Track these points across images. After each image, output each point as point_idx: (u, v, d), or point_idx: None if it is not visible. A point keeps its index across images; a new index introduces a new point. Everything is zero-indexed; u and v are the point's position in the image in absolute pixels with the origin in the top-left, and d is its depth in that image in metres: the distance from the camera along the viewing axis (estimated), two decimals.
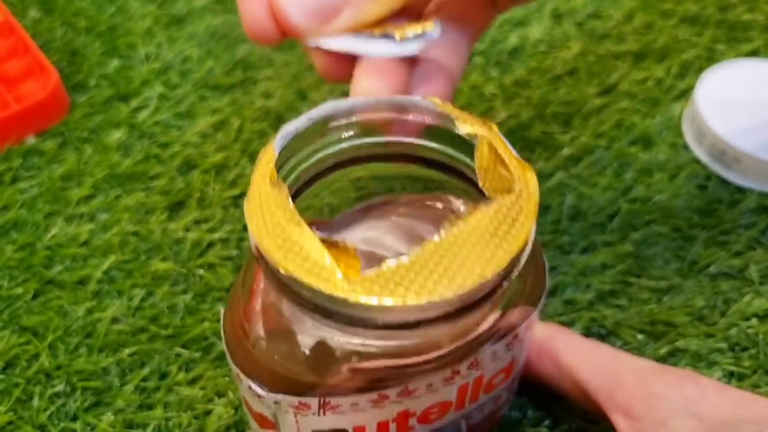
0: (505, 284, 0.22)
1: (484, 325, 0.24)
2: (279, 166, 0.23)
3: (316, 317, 0.22)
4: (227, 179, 0.43)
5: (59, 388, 0.36)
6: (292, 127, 0.24)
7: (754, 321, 0.37)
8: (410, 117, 0.25)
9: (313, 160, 0.25)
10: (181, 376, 0.36)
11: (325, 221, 0.29)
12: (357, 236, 0.29)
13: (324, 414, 0.25)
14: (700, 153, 0.44)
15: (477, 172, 0.24)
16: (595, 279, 0.39)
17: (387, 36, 0.29)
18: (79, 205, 0.43)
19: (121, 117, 0.47)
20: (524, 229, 0.22)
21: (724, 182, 0.43)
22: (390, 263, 0.21)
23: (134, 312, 0.38)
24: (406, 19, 0.29)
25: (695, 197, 0.42)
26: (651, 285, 0.38)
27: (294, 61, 0.49)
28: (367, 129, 0.25)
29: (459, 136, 0.24)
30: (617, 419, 0.29)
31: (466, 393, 0.26)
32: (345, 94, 0.27)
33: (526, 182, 0.23)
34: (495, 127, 0.24)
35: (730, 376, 0.36)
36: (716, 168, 0.43)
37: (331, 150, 0.25)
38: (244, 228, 0.40)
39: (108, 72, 0.49)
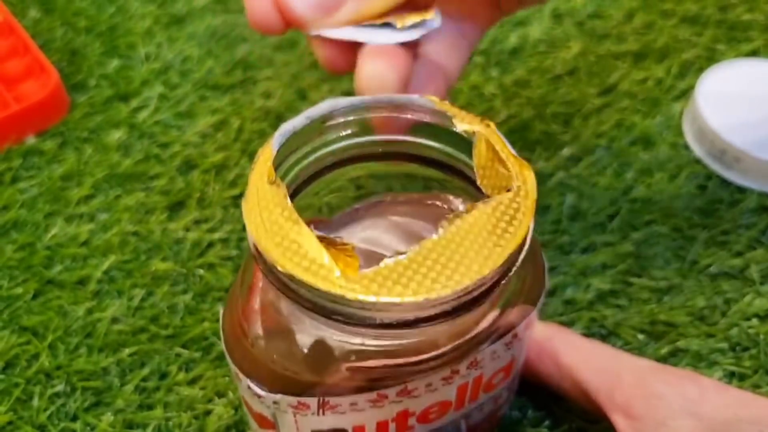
0: (504, 282, 0.22)
1: (483, 324, 0.24)
2: (277, 164, 0.23)
3: (314, 316, 0.22)
4: (227, 179, 0.43)
5: (59, 388, 0.36)
6: (290, 125, 0.24)
7: (754, 321, 0.37)
8: (408, 115, 0.25)
9: (311, 158, 0.25)
10: (181, 376, 0.36)
11: (324, 220, 0.29)
12: (355, 235, 0.29)
13: (323, 414, 0.25)
14: (700, 153, 0.44)
15: (475, 170, 0.24)
16: (595, 279, 0.39)
17: (388, 24, 0.29)
18: (79, 205, 0.43)
19: (121, 117, 0.47)
20: (522, 227, 0.22)
21: (725, 182, 0.43)
22: (388, 261, 0.21)
23: (134, 312, 0.38)
24: (407, 11, 0.30)
25: (695, 197, 0.42)
26: (651, 285, 0.38)
27: (294, 61, 0.49)
28: (365, 128, 0.25)
29: (457, 134, 0.24)
30: (617, 419, 0.29)
31: (466, 392, 0.26)
32: (345, 93, 0.27)
33: (524, 180, 0.23)
34: (493, 125, 0.24)
35: (730, 376, 0.36)
36: (716, 168, 0.43)
37: (329, 149, 0.25)
38: (244, 228, 0.40)
39: (108, 72, 0.49)
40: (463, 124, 0.24)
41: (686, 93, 0.47)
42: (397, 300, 0.20)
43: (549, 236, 0.40)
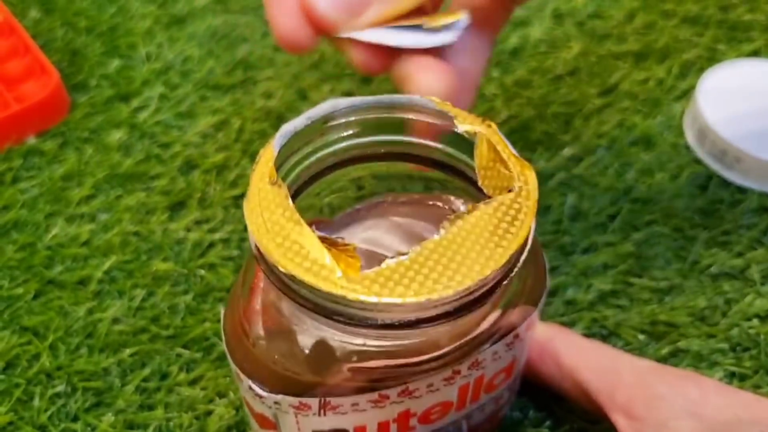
0: (505, 283, 0.22)
1: (485, 325, 0.24)
2: (278, 165, 0.23)
3: (315, 316, 0.22)
4: (228, 179, 0.43)
5: (60, 388, 0.36)
6: (291, 126, 0.24)
7: (755, 321, 0.37)
8: (411, 116, 0.25)
9: (312, 159, 0.25)
10: (182, 376, 0.36)
11: (325, 220, 0.29)
12: (357, 235, 0.29)
13: (324, 414, 0.25)
14: (701, 153, 0.44)
15: (476, 170, 0.24)
16: (596, 279, 0.39)
17: (419, 27, 0.29)
18: (80, 205, 0.43)
19: (121, 117, 0.47)
20: (524, 227, 0.22)
21: (725, 182, 0.43)
22: (390, 262, 0.21)
23: (135, 312, 0.38)
24: (433, 10, 0.30)
25: (696, 197, 0.42)
26: (652, 285, 0.38)
27: (294, 61, 0.49)
28: (366, 128, 0.25)
29: (458, 135, 0.24)
30: (618, 419, 0.29)
31: (467, 393, 0.26)
32: (345, 93, 0.27)
33: (526, 180, 0.23)
34: (494, 126, 0.24)
35: (731, 377, 0.36)
36: (717, 168, 0.43)
37: (330, 149, 0.25)
38: (245, 228, 0.40)
39: (109, 72, 0.49)
40: (465, 124, 0.24)
41: (687, 93, 0.47)
42: (398, 300, 0.20)
43: (550, 236, 0.40)
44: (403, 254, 0.21)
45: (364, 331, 0.22)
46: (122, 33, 0.52)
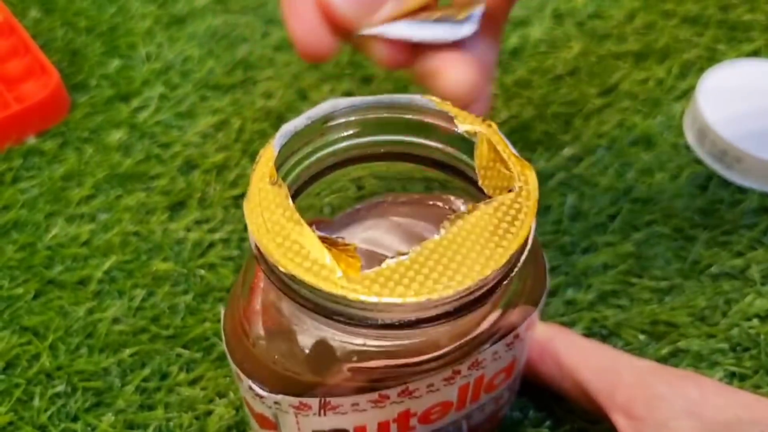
0: (505, 283, 0.22)
1: (485, 325, 0.24)
2: (279, 165, 0.23)
3: (316, 316, 0.22)
4: (228, 179, 0.43)
5: (60, 388, 0.36)
6: (291, 126, 0.24)
7: (755, 321, 0.37)
8: (409, 117, 0.25)
9: (312, 159, 0.25)
10: (182, 376, 0.36)
11: (326, 220, 0.29)
12: (357, 235, 0.29)
13: (324, 414, 0.25)
14: (701, 153, 0.44)
15: (476, 170, 0.24)
16: (596, 279, 0.39)
17: (440, 20, 0.29)
18: (80, 205, 0.43)
19: (121, 117, 0.47)
20: (524, 227, 0.22)
21: (726, 182, 0.43)
22: (390, 262, 0.21)
23: (135, 312, 0.38)
24: (434, 4, 0.30)
25: (696, 197, 0.42)
26: (652, 285, 0.38)
27: (294, 61, 0.49)
28: (366, 128, 0.25)
29: (458, 135, 0.24)
30: (618, 420, 0.29)
31: (467, 393, 0.26)
32: (345, 93, 0.27)
33: (526, 180, 0.23)
34: (494, 126, 0.24)
35: (731, 377, 0.36)
36: (717, 168, 0.43)
37: (330, 149, 0.25)
38: (245, 228, 0.40)
39: (109, 72, 0.49)
40: (465, 124, 0.24)
41: (687, 93, 0.47)
42: (398, 300, 0.20)
43: (550, 236, 0.40)
44: (404, 254, 0.21)
45: (364, 331, 0.22)
46: (122, 33, 0.52)
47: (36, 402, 0.35)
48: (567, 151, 0.44)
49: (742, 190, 0.42)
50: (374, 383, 0.24)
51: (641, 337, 0.37)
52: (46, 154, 0.45)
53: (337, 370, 0.24)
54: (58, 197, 0.43)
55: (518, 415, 0.35)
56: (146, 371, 0.36)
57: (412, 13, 0.29)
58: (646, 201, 0.42)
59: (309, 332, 0.24)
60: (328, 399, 0.24)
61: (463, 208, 0.27)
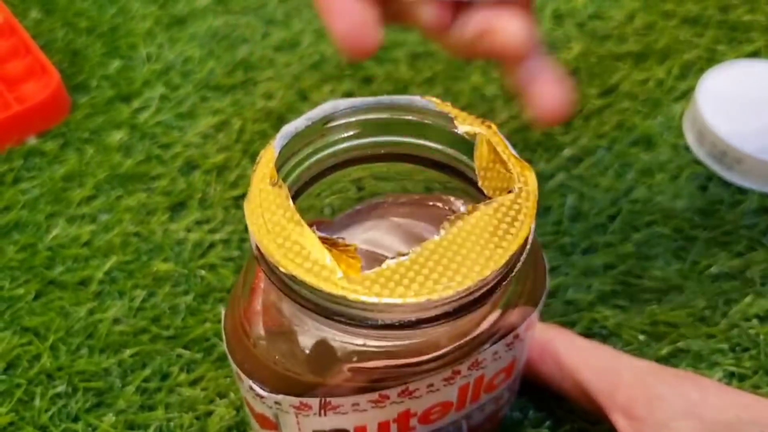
0: (505, 283, 0.22)
1: (484, 325, 0.24)
2: (279, 166, 0.23)
3: (316, 317, 0.22)
4: (228, 180, 0.43)
5: (61, 388, 0.36)
6: (291, 127, 0.24)
7: (755, 322, 0.37)
8: (409, 118, 0.25)
9: (313, 160, 0.25)
10: (183, 376, 0.36)
11: (326, 221, 0.29)
12: (357, 236, 0.29)
13: (325, 414, 0.25)
14: (701, 154, 0.44)
15: (476, 171, 0.24)
16: (596, 280, 0.39)
17: None
18: (81, 205, 0.43)
19: (122, 118, 0.47)
20: (524, 228, 0.22)
21: (725, 183, 0.43)
22: (390, 262, 0.21)
23: (135, 313, 0.38)
24: None
25: (696, 198, 0.42)
26: (652, 286, 0.38)
27: (295, 62, 0.49)
28: (367, 129, 0.25)
29: (458, 136, 0.24)
30: (618, 420, 0.29)
31: (467, 393, 0.26)
32: (346, 94, 0.27)
33: (526, 181, 0.23)
34: (494, 126, 0.24)
35: (731, 377, 0.36)
36: (717, 169, 0.43)
37: (330, 150, 0.25)
38: (246, 229, 0.40)
39: (109, 73, 0.49)
40: (465, 125, 0.24)
41: (687, 94, 0.47)
42: (399, 301, 0.20)
43: (550, 237, 0.40)
44: (404, 255, 0.21)
45: (364, 331, 0.22)
46: (123, 33, 0.52)
47: (37, 402, 0.35)
48: (567, 152, 0.44)
49: (741, 190, 0.42)
50: (374, 383, 0.24)
51: (641, 337, 0.37)
52: (46, 155, 0.45)
53: (338, 370, 0.24)
54: (59, 198, 0.43)
55: (518, 415, 0.35)
56: (147, 372, 0.36)
57: None
58: (645, 202, 0.42)
59: (309, 333, 0.24)
60: (328, 399, 0.24)
61: (463, 208, 0.27)
